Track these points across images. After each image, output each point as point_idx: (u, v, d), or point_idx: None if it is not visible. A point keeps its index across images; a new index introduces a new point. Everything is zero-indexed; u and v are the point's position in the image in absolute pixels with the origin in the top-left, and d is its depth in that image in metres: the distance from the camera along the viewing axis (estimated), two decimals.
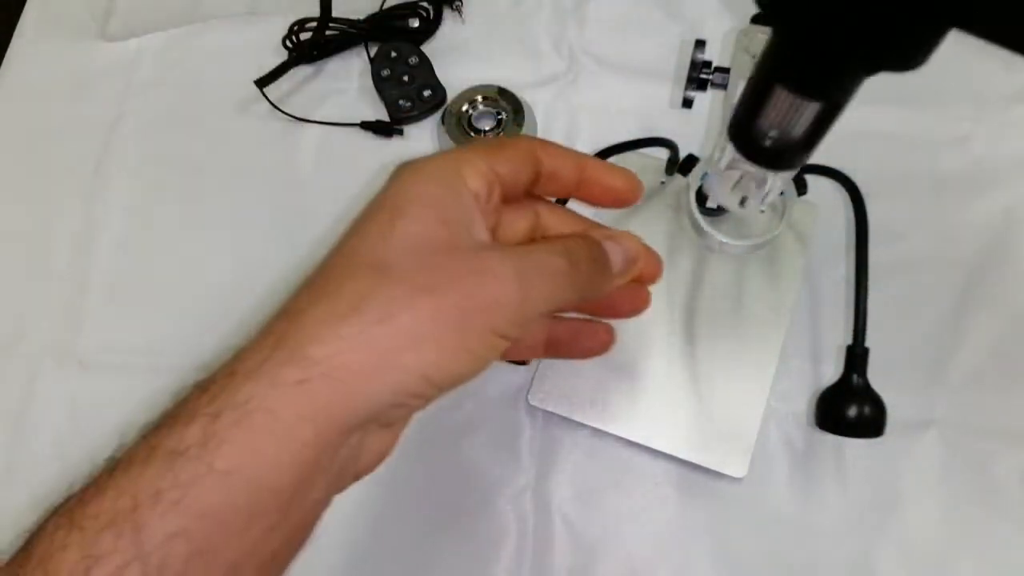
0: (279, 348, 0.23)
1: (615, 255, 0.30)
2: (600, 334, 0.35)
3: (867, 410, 0.38)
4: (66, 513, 0.22)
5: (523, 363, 0.42)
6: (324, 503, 0.25)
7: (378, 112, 0.53)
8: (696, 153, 0.45)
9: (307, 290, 0.25)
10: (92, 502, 0.22)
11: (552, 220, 0.33)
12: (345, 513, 0.43)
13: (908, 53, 0.23)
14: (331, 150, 0.53)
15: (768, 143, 0.31)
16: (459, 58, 0.55)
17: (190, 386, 0.24)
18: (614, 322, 0.35)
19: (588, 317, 0.35)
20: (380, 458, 0.28)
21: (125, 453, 0.23)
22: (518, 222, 0.31)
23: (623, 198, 0.32)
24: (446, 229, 0.26)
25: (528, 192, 0.31)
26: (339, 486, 0.26)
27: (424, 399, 0.25)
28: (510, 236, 0.31)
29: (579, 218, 0.33)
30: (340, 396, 0.23)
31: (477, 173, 0.27)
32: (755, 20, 0.33)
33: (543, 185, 0.31)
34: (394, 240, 0.25)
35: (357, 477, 0.27)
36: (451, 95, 0.52)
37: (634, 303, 0.34)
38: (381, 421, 0.25)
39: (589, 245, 0.29)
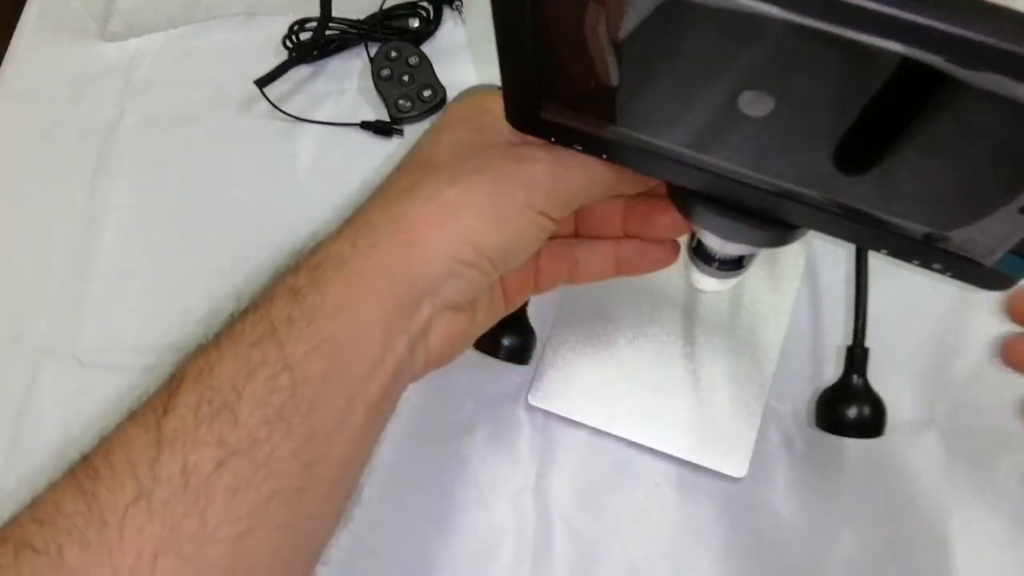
0: (352, 225, 0.28)
1: None
2: (665, 249, 0.37)
3: (867, 410, 0.38)
4: (212, 342, 0.27)
5: (523, 363, 0.41)
6: (406, 371, 0.28)
7: (378, 112, 0.53)
8: None
9: (376, 190, 0.30)
10: (236, 327, 0.26)
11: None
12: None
13: None
14: (331, 150, 0.53)
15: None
16: (459, 58, 0.54)
17: (283, 266, 0.28)
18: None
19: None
20: (450, 345, 0.30)
21: (249, 300, 0.28)
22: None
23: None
24: (484, 134, 0.30)
25: None
26: (415, 362, 0.29)
27: (476, 268, 0.28)
28: None
29: None
30: (403, 258, 0.27)
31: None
32: None
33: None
34: (440, 145, 0.30)
35: (430, 361, 0.30)
36: (451, 95, 0.52)
37: (661, 256, 0.36)
38: (447, 295, 0.29)
39: None
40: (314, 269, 0.27)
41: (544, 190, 0.29)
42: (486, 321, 0.34)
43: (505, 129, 0.29)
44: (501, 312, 0.35)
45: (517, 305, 0.36)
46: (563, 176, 0.29)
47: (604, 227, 0.36)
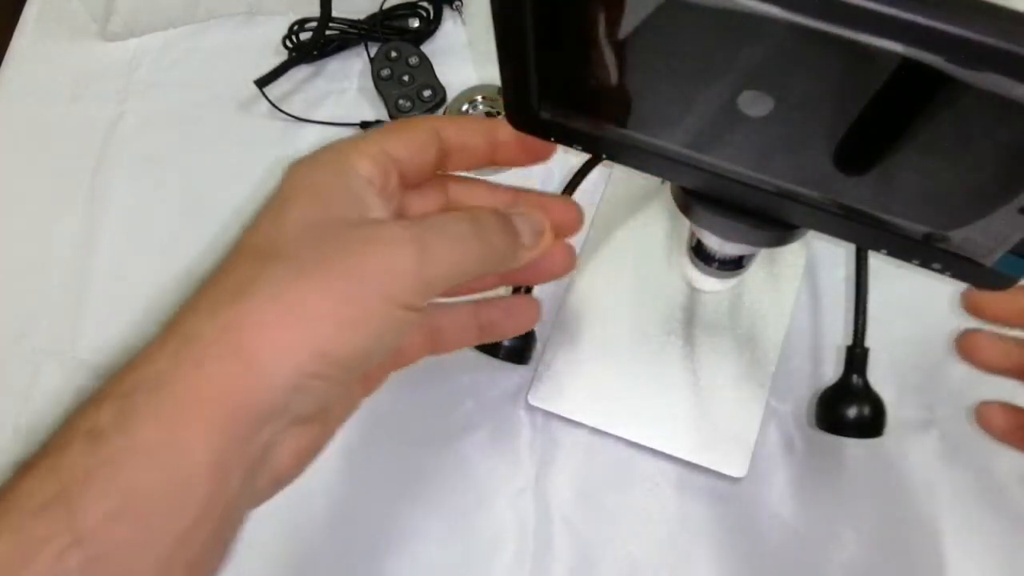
0: (173, 333, 0.23)
1: (523, 226, 0.29)
2: (529, 309, 0.34)
3: (867, 410, 0.38)
4: None
5: (523, 363, 0.41)
6: (243, 505, 0.24)
7: (378, 112, 0.53)
8: None
9: (203, 285, 0.24)
10: (19, 487, 0.21)
11: (465, 195, 0.32)
12: (344, 512, 0.43)
13: None
14: None
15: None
16: (459, 58, 0.54)
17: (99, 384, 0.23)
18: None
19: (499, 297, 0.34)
20: (300, 460, 0.26)
21: (49, 439, 0.22)
22: (425, 203, 0.30)
23: (539, 153, 0.31)
24: (338, 210, 0.25)
25: (438, 172, 0.30)
26: (256, 489, 0.24)
27: (327, 380, 0.24)
28: (418, 217, 0.30)
29: (499, 189, 0.32)
30: (237, 380, 0.22)
31: (368, 159, 0.27)
32: None
33: (455, 161, 0.30)
34: (283, 226, 0.25)
35: (277, 482, 0.25)
36: (451, 95, 0.52)
37: (553, 267, 0.32)
38: (292, 413, 0.24)
39: (496, 214, 0.28)
40: (122, 400, 0.22)
41: (409, 279, 0.24)
42: (342, 418, 0.29)
43: (361, 196, 0.26)
44: (359, 402, 0.30)
45: (377, 389, 0.31)
46: (430, 259, 0.25)
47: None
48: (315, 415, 0.25)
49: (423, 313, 0.26)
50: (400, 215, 0.29)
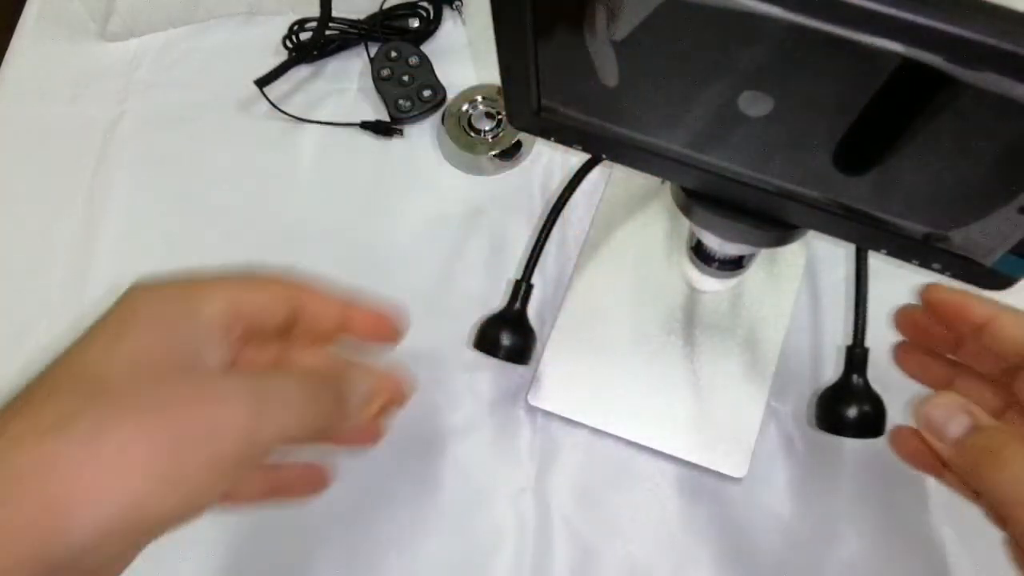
0: None
1: (355, 391, 0.29)
2: (320, 477, 0.33)
3: (867, 410, 0.38)
4: None
5: (523, 363, 0.41)
6: None
7: (378, 112, 0.53)
8: None
9: (17, 400, 0.22)
10: None
11: (301, 353, 0.31)
12: (345, 511, 0.43)
13: None
14: (331, 150, 0.53)
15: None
16: (459, 58, 0.54)
17: None
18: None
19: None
20: None
21: None
22: (261, 355, 0.30)
23: (389, 335, 0.32)
24: (175, 352, 0.24)
25: (283, 333, 0.29)
26: None
27: (127, 539, 0.22)
28: (249, 369, 0.29)
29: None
30: (35, 526, 0.20)
31: (215, 306, 0.26)
32: None
33: (303, 326, 0.30)
34: (116, 357, 0.24)
35: None
36: (451, 95, 0.53)
37: (363, 436, 0.33)
38: (83, 567, 0.22)
39: (330, 377, 0.28)
40: None
41: (239, 440, 0.23)
42: (117, 572, 0.26)
43: (201, 341, 0.25)
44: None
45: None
46: (261, 421, 0.24)
47: None
48: (100, 569, 0.23)
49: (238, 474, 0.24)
50: (234, 362, 0.27)
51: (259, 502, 0.31)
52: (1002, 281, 0.25)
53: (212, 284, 0.27)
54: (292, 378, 0.26)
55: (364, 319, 0.31)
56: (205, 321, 0.26)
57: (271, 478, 0.32)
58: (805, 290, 0.46)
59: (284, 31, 0.55)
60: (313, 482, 0.33)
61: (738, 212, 0.29)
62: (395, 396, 0.31)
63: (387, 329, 0.32)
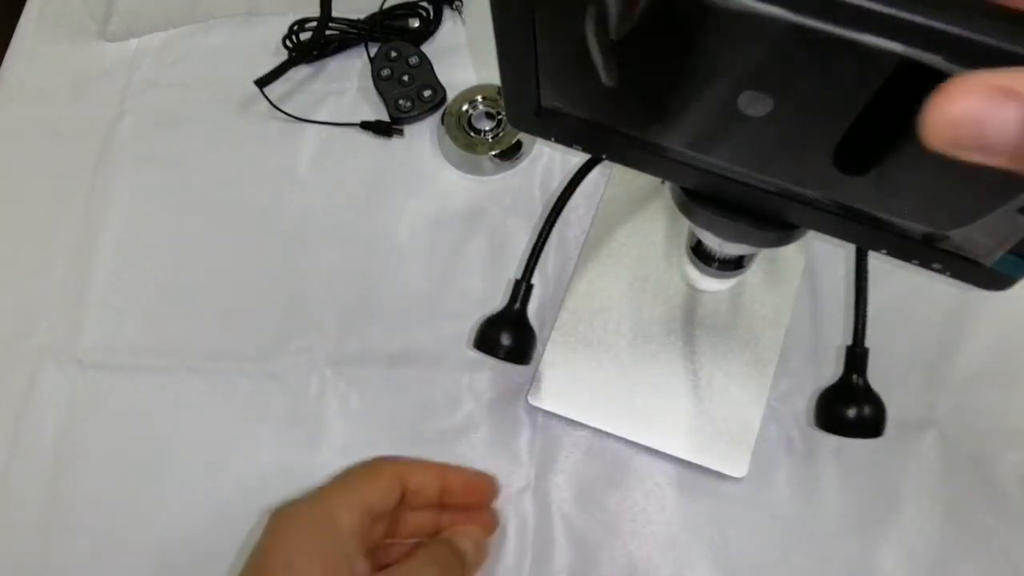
0: None
1: (467, 548, 0.36)
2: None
3: (867, 410, 0.38)
4: None
5: (523, 363, 0.41)
6: None
7: (378, 112, 0.53)
8: None
9: None
10: None
11: (409, 515, 0.38)
12: None
13: None
14: (331, 150, 0.53)
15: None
16: (459, 58, 0.54)
17: None
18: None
19: None
20: None
21: None
22: (378, 528, 0.36)
23: (484, 496, 0.40)
24: (330, 570, 0.30)
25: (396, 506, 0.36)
26: None
27: None
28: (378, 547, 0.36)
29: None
30: None
31: (353, 513, 0.32)
32: None
33: (408, 500, 0.37)
34: None
35: None
36: (451, 95, 0.52)
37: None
38: None
39: (448, 547, 0.35)
40: None
41: None
42: None
43: (349, 555, 0.31)
44: None
45: None
46: None
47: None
48: None
49: None
50: (377, 563, 0.34)
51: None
52: (1002, 281, 0.25)
53: (342, 491, 0.34)
54: (425, 562, 0.34)
55: (461, 484, 0.39)
56: (347, 532, 0.31)
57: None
58: (805, 290, 0.46)
59: (284, 31, 0.55)
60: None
61: (738, 212, 0.29)
62: (493, 527, 0.40)
63: (482, 492, 0.40)
